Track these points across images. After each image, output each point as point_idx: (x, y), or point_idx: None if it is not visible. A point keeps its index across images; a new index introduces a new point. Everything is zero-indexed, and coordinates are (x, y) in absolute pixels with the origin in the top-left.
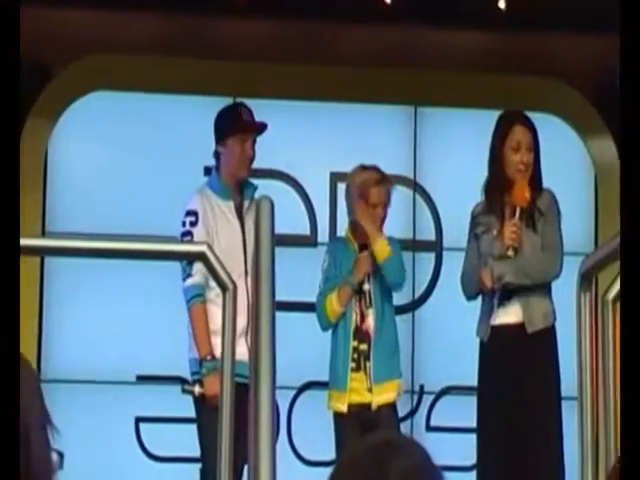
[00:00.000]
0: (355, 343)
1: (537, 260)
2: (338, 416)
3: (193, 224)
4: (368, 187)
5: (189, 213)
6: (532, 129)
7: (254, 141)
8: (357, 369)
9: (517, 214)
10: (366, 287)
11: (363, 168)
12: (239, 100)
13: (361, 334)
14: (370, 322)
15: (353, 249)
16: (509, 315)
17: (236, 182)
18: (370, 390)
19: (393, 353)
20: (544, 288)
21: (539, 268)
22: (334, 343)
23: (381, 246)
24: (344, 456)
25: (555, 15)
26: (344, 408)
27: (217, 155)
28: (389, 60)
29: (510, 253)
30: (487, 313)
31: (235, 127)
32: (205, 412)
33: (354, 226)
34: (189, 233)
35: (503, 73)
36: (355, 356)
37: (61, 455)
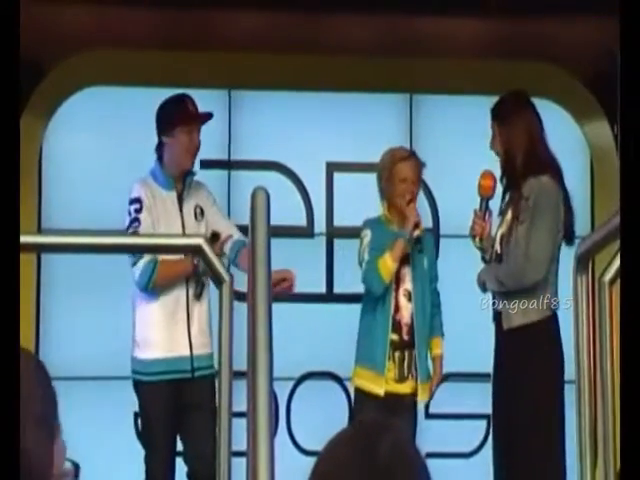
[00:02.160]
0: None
1: (513, 269)
2: (366, 396)
3: (138, 211)
4: (395, 163)
5: (133, 201)
6: (500, 118)
7: (199, 131)
8: (387, 358)
9: (482, 204)
10: (416, 233)
11: (391, 149)
12: (235, 92)
13: (394, 325)
14: (403, 313)
15: (392, 230)
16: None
17: (180, 173)
18: (399, 380)
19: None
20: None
21: (514, 277)
22: (369, 326)
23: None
24: (335, 434)
25: (550, 0)
26: (381, 392)
27: (161, 146)
28: (384, 48)
29: (477, 243)
30: (491, 298)
31: (182, 118)
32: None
33: (390, 204)
34: (137, 220)
35: (499, 59)
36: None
37: (77, 466)
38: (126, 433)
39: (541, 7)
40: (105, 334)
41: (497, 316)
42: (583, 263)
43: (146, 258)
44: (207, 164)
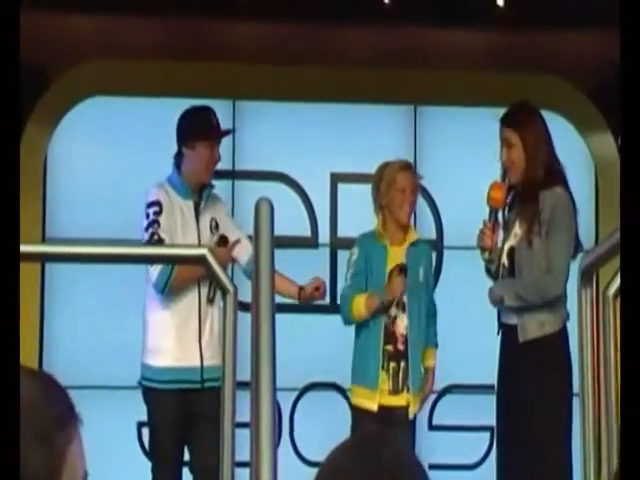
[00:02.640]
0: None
1: (534, 283)
2: (362, 413)
3: (157, 213)
4: (394, 173)
5: (152, 204)
6: (517, 127)
7: (219, 145)
8: (381, 368)
9: (490, 215)
10: (393, 312)
11: (387, 162)
12: (239, 103)
13: (388, 335)
14: (398, 324)
15: (383, 244)
16: (510, 317)
17: (198, 185)
18: (392, 393)
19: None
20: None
21: (535, 291)
22: (363, 341)
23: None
24: (337, 444)
25: (553, 12)
26: (374, 407)
27: (180, 156)
28: (389, 60)
29: (485, 256)
30: (497, 311)
31: (205, 132)
32: (153, 403)
33: (386, 215)
34: (156, 222)
35: (502, 71)
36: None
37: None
38: (129, 443)
39: (545, 20)
40: (108, 343)
41: (507, 329)
42: (587, 276)
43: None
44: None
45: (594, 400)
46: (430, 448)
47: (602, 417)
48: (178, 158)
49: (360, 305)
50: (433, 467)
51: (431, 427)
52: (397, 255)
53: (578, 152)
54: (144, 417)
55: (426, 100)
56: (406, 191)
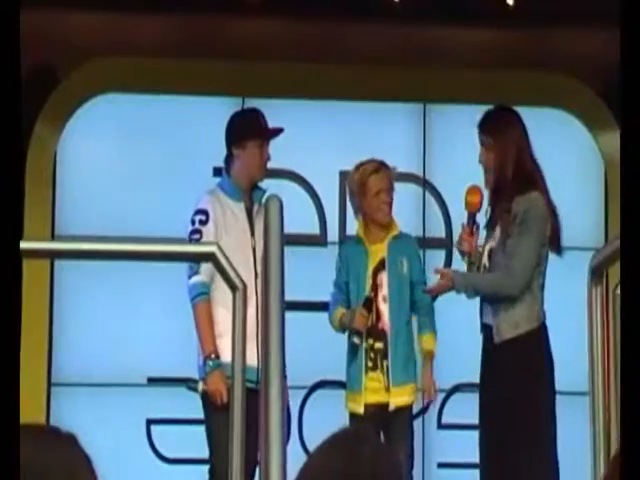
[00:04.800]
0: (371, 341)
1: (490, 278)
2: (354, 417)
3: (203, 223)
4: (366, 176)
5: (199, 212)
6: (489, 133)
7: (268, 145)
8: (374, 368)
9: (469, 219)
10: (356, 341)
11: (360, 163)
12: (248, 101)
13: (377, 332)
14: (386, 320)
15: (364, 248)
16: (488, 316)
17: (249, 184)
18: (388, 389)
19: (410, 356)
20: (522, 294)
21: (489, 285)
22: (350, 344)
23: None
24: (320, 444)
25: (563, 10)
26: (360, 409)
27: (230, 158)
28: (398, 58)
29: (466, 260)
30: (480, 310)
31: (255, 132)
32: (212, 413)
33: (366, 219)
34: (198, 232)
35: (512, 69)
36: (372, 355)
37: None
38: (139, 440)
39: (555, 17)
40: (117, 340)
41: (486, 329)
42: (597, 275)
43: (198, 281)
44: (220, 172)
45: (604, 398)
46: (439, 447)
47: (612, 414)
48: (228, 161)
49: (336, 319)
50: (442, 466)
51: (440, 426)
52: (378, 252)
53: (587, 150)
54: (153, 414)
55: (435, 98)
56: (381, 193)
